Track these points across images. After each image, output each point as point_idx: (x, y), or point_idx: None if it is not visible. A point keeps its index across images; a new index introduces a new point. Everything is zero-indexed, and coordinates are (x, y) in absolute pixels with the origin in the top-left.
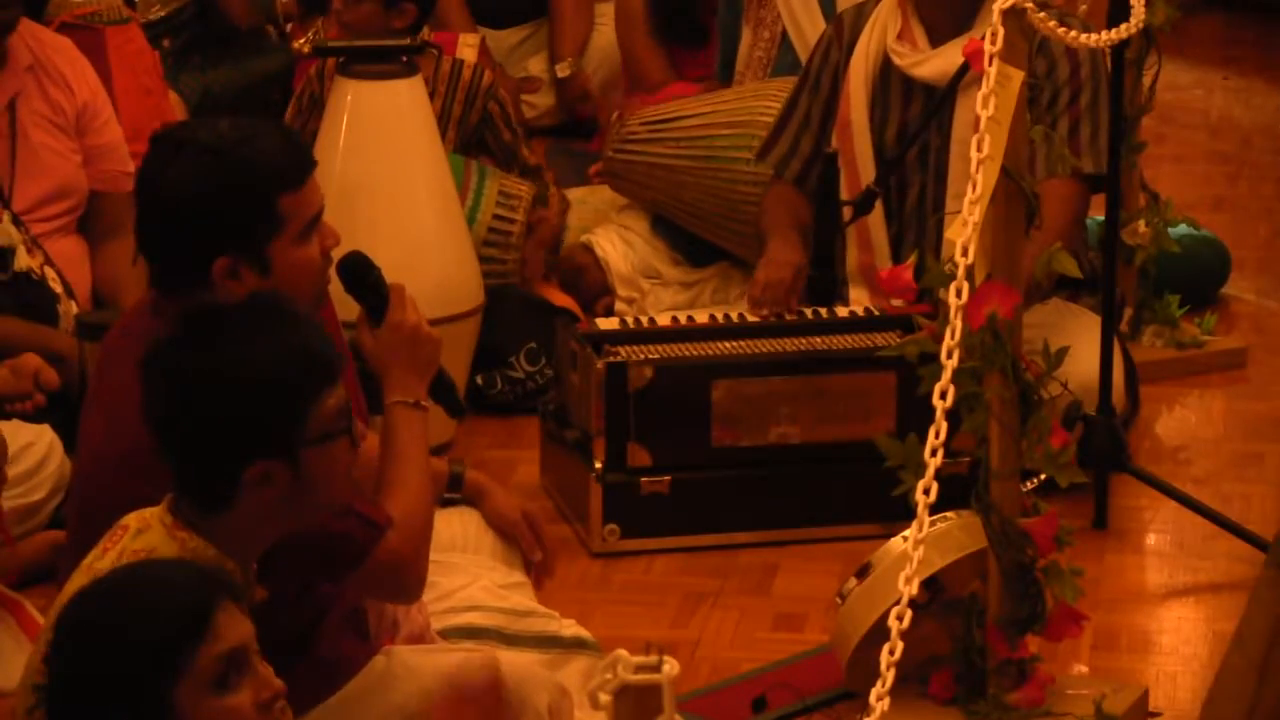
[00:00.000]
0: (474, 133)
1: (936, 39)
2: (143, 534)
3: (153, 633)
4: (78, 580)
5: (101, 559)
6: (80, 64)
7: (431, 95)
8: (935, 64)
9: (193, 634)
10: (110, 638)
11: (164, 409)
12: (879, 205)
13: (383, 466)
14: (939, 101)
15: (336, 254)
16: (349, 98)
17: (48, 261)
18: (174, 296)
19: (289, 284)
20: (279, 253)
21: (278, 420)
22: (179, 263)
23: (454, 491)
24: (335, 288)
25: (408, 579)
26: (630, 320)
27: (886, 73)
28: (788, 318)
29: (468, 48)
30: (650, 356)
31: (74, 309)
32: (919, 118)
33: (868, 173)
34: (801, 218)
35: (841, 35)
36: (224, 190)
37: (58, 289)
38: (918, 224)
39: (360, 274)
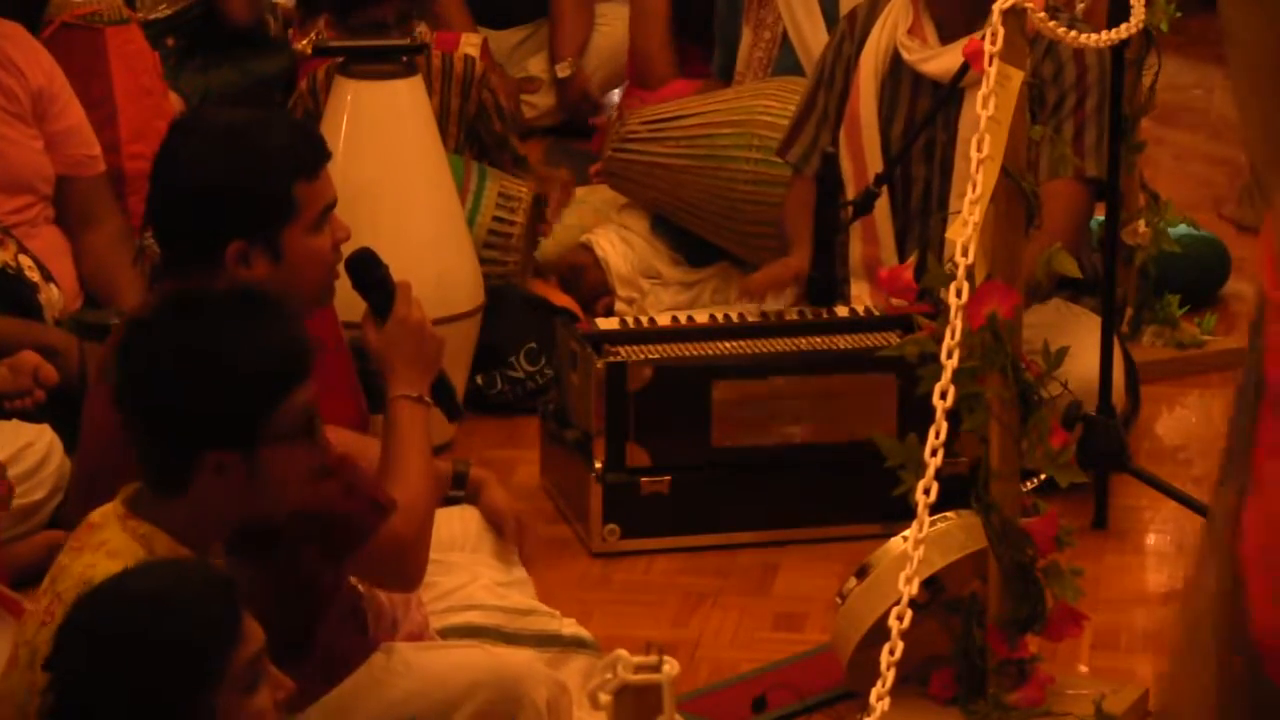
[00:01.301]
0: (471, 125)
1: (946, 35)
2: (99, 529)
3: (197, 639)
4: (45, 580)
5: (68, 555)
6: (32, 48)
7: (429, 93)
8: (944, 60)
9: (231, 638)
10: (151, 646)
11: (130, 386)
12: (885, 199)
13: (385, 457)
14: (944, 98)
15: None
16: (349, 98)
17: (21, 250)
18: (181, 280)
19: (299, 273)
20: (291, 240)
21: (240, 414)
22: (192, 244)
23: (458, 489)
24: (340, 290)
25: (408, 564)
26: (630, 320)
27: (896, 68)
28: (788, 318)
29: (469, 48)
30: (650, 356)
31: (55, 294)
32: (926, 113)
33: (875, 167)
34: None
35: (854, 30)
36: (240, 172)
37: (35, 277)
38: (923, 219)
39: (368, 270)
